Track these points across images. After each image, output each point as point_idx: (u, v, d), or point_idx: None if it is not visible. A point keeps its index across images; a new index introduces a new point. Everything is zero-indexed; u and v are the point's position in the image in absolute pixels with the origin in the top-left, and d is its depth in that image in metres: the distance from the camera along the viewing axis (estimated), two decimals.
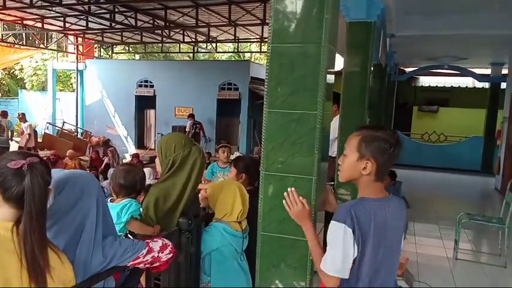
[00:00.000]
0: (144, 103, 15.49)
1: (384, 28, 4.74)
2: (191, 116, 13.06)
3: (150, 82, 15.33)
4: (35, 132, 12.15)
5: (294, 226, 1.79)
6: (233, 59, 22.36)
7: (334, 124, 3.85)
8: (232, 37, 14.42)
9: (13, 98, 20.38)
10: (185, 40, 15.02)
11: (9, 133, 11.49)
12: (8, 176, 1.26)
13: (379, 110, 6.58)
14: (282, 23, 1.65)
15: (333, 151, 4.10)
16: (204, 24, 12.30)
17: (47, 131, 14.75)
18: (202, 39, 15.66)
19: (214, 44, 16.83)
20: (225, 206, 2.37)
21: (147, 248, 1.63)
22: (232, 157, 4.34)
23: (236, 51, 19.83)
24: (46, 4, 9.37)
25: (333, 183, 3.80)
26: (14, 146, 11.20)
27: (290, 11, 1.64)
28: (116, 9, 10.75)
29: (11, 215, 1.27)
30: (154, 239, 1.70)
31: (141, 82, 15.43)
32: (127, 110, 15.59)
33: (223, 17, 11.42)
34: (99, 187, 1.59)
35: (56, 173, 1.45)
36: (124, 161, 10.82)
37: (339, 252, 1.50)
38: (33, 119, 16.23)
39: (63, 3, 9.15)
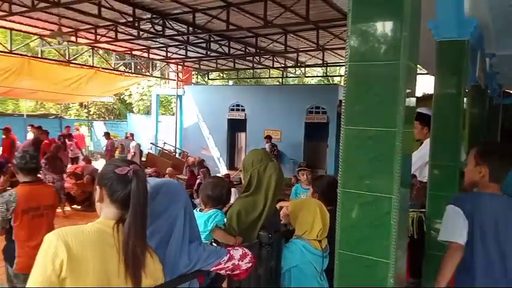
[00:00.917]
0: (236, 126, 16.21)
1: (482, 47, 4.43)
2: (268, 137, 13.40)
3: (242, 106, 16.04)
4: (140, 151, 13.49)
5: (373, 246, 1.76)
6: (322, 83, 22.40)
7: (425, 148, 3.66)
8: (321, 61, 14.54)
9: (122, 121, 22.79)
10: (275, 66, 15.51)
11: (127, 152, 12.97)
12: (115, 181, 1.44)
13: (479, 134, 6.07)
14: (359, 41, 1.68)
15: (423, 176, 3.87)
16: (293, 49, 12.61)
17: (150, 151, 16.15)
18: (291, 65, 16.02)
19: (303, 69, 17.09)
20: (305, 224, 2.41)
21: (228, 255, 1.75)
22: None
23: (325, 75, 19.90)
24: (151, 36, 10.46)
25: (423, 210, 3.59)
26: None
27: (367, 29, 1.67)
28: (212, 39, 11.56)
29: (114, 215, 1.45)
30: (235, 248, 1.81)
31: (233, 106, 16.22)
32: (220, 133, 16.44)
33: (312, 42, 11.61)
34: (187, 196, 1.76)
35: (152, 181, 1.65)
36: None
37: (451, 228, 2.03)
38: (139, 139, 17.94)
39: (165, 34, 10.13)
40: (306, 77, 19.93)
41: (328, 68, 17.62)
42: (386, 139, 1.70)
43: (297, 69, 17.43)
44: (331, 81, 22.74)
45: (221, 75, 21.36)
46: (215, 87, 19.94)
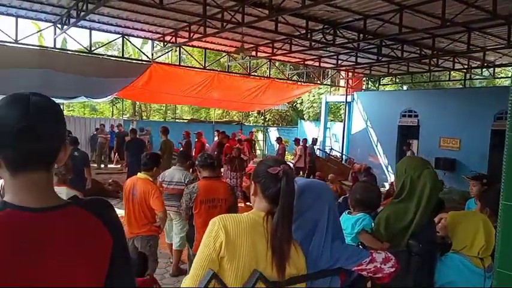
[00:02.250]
0: (407, 133, 15.30)
1: None
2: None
3: (414, 112, 15.05)
4: (309, 154, 14.10)
5: None
6: None
7: None
8: None
9: (294, 127, 24.09)
10: (455, 67, 14.05)
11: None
12: (268, 179, 1.65)
13: None
14: None
15: None
16: (478, 48, 11.22)
17: (318, 156, 16.67)
18: (476, 65, 14.25)
19: (491, 69, 14.99)
20: (464, 238, 2.22)
21: (370, 257, 1.78)
22: None
23: None
24: (322, 46, 10.84)
25: None
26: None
27: None
28: (383, 43, 11.25)
29: (265, 208, 1.66)
30: (378, 251, 1.84)
31: (405, 112, 15.36)
32: (389, 140, 15.78)
33: (502, 39, 10.12)
34: (332, 197, 1.87)
35: (299, 180, 1.83)
36: (382, 189, 10.99)
37: None
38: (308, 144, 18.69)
39: (336, 43, 10.36)
40: (496, 78, 17.36)
41: None
42: None
43: (484, 70, 15.39)
44: None
45: (393, 79, 20.44)
46: (386, 92, 19.22)
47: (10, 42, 10.09)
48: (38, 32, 14.43)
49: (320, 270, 1.76)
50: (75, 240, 1.08)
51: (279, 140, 15.03)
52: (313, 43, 10.80)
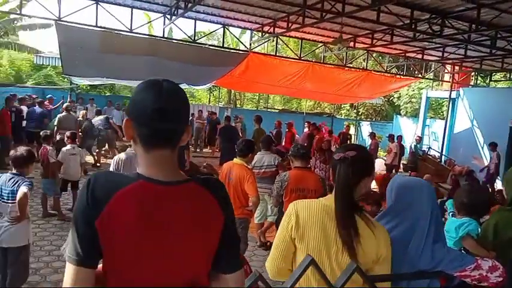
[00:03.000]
0: None
1: None
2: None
3: None
4: (402, 153, 13.42)
5: None
6: None
7: None
8: None
9: (388, 122, 23.02)
10: None
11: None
12: (334, 165, 1.73)
13: None
14: None
15: None
16: None
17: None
18: None
19: None
20: None
21: (475, 263, 1.69)
22: None
23: None
24: (428, 37, 10.12)
25: None
26: (379, 163, 12.71)
27: None
28: (498, 35, 10.17)
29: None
30: (485, 258, 1.73)
31: None
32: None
33: None
34: (435, 198, 1.80)
35: (398, 178, 1.80)
36: None
37: None
38: (403, 142, 17.74)
39: (443, 34, 9.61)
40: None
41: None
42: None
43: None
44: None
45: (507, 76, 18.36)
46: (498, 89, 17.35)
47: (125, 31, 11.12)
48: (149, 22, 15.67)
49: (418, 271, 1.72)
50: (194, 213, 1.21)
51: (372, 135, 14.52)
52: (417, 34, 10.14)
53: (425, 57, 14.20)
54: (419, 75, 16.73)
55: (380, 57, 16.63)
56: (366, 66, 14.96)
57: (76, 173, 6.83)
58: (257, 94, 26.73)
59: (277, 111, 23.58)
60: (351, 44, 12.30)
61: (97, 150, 11.07)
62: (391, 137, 13.39)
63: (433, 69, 17.79)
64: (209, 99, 26.08)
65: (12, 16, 16.10)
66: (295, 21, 10.29)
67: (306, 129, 13.68)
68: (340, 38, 9.36)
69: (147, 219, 1.14)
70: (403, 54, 14.30)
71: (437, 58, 14.25)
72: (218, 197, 1.27)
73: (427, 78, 18.28)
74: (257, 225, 5.76)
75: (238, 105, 26.72)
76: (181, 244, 1.18)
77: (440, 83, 19.04)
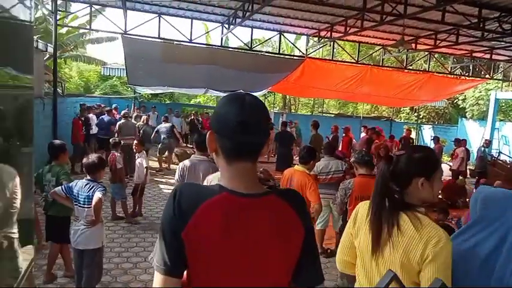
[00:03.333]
0: None
1: None
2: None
3: None
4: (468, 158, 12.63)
5: None
6: None
7: None
8: None
9: (452, 126, 21.81)
10: None
11: None
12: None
13: None
14: None
15: None
16: None
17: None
18: None
19: None
20: None
21: None
22: None
23: None
24: (497, 36, 9.48)
25: None
26: (444, 168, 12.04)
27: None
28: None
29: None
30: None
31: None
32: None
33: None
34: None
35: (484, 189, 1.73)
36: None
37: None
38: (469, 146, 16.72)
39: None
40: None
41: None
42: None
43: None
44: None
45: None
46: None
47: (185, 42, 11.53)
48: (207, 32, 16.15)
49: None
50: (274, 226, 1.21)
51: (435, 139, 13.75)
52: (485, 33, 9.54)
53: (493, 57, 13.31)
54: (487, 76, 15.70)
55: (442, 58, 15.82)
56: (428, 68, 14.30)
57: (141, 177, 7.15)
58: (312, 99, 26.52)
59: (333, 115, 23.22)
60: (412, 45, 11.82)
61: (158, 155, 11.54)
62: (457, 141, 12.65)
63: (502, 69, 16.62)
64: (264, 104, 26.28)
65: (81, 31, 17.29)
66: (353, 25, 10.10)
67: (363, 134, 13.32)
68: (402, 40, 9.02)
69: (231, 231, 1.17)
70: (468, 55, 13.50)
71: (507, 58, 13.32)
72: (298, 209, 1.27)
73: (496, 79, 17.10)
74: (318, 232, 5.67)
75: (293, 110, 26.66)
76: (264, 256, 1.20)
77: (510, 83, 17.75)
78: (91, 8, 11.05)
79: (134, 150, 7.32)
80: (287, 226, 1.23)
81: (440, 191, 2.06)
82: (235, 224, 1.17)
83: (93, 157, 4.08)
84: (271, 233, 1.20)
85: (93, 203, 3.79)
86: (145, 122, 11.85)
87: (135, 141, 7.41)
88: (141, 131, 10.91)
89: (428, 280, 1.54)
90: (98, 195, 3.82)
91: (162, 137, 11.30)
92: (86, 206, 3.87)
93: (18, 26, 1.06)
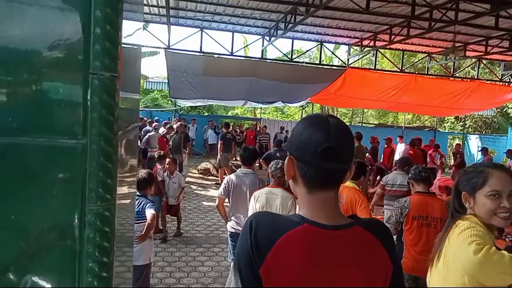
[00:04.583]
0: None
1: None
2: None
3: None
4: None
5: None
6: None
7: None
8: None
9: (502, 136, 20.63)
10: None
11: None
12: None
13: None
14: None
15: None
16: None
17: None
18: None
19: None
20: None
21: None
22: None
23: None
24: None
25: None
26: None
27: None
28: None
29: None
30: None
31: None
32: None
33: None
34: None
35: None
36: None
37: None
38: None
39: None
40: None
41: None
42: None
43: None
44: None
45: None
46: None
47: (226, 55, 11.60)
48: (246, 46, 16.24)
49: None
50: (360, 261, 1.09)
51: (484, 150, 13.00)
52: None
53: None
54: None
55: (490, 65, 15.07)
56: (477, 75, 13.64)
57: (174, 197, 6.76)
58: (350, 109, 26.02)
59: (373, 125, 22.64)
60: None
61: (220, 168, 11.35)
62: (510, 153, 11.92)
63: None
64: (301, 115, 26.03)
65: None
66: (399, 33, 9.78)
67: (401, 144, 12.76)
68: (453, 47, 8.63)
69: (314, 267, 1.06)
70: None
71: None
72: (385, 244, 1.14)
73: None
74: None
75: None
76: None
77: None
78: None
79: (167, 171, 6.70)
80: (374, 262, 1.11)
81: None
82: (318, 259, 1.07)
83: (142, 173, 4.08)
84: (359, 270, 1.09)
85: (148, 220, 3.77)
86: (177, 130, 10.60)
87: (168, 160, 6.89)
88: (170, 142, 10.08)
89: None
90: (151, 211, 3.79)
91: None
92: (134, 221, 3.86)
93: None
